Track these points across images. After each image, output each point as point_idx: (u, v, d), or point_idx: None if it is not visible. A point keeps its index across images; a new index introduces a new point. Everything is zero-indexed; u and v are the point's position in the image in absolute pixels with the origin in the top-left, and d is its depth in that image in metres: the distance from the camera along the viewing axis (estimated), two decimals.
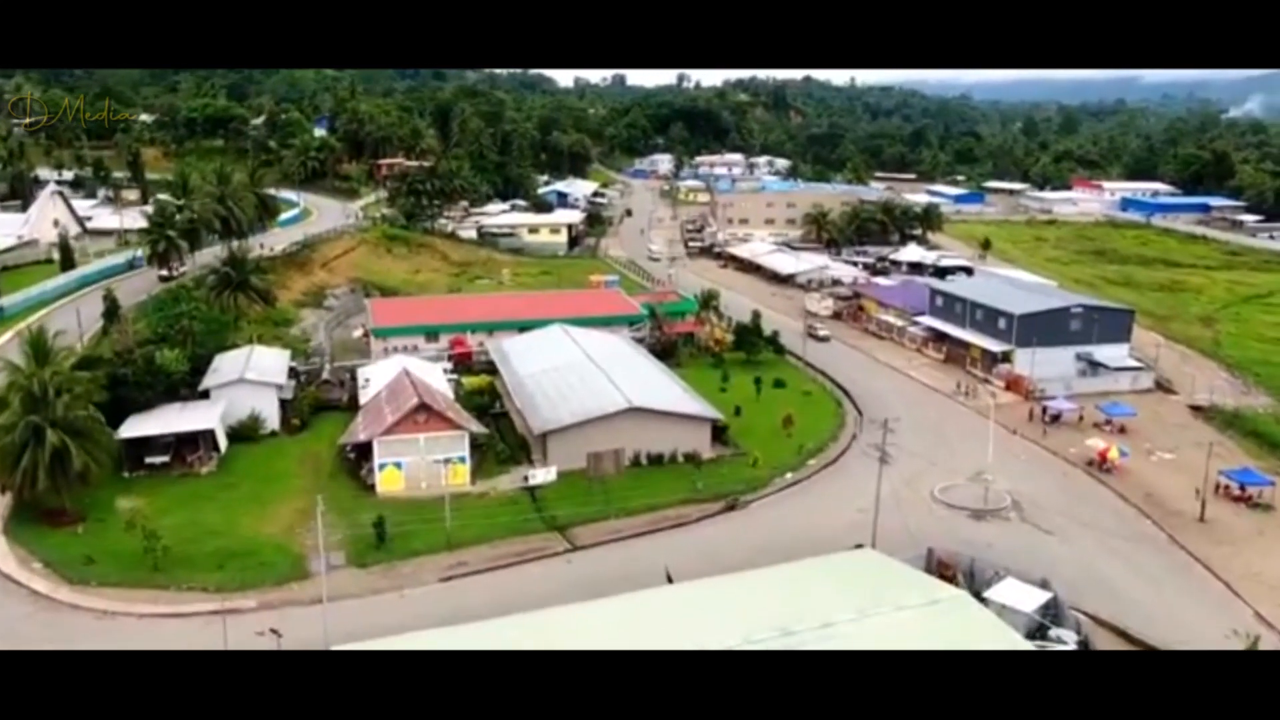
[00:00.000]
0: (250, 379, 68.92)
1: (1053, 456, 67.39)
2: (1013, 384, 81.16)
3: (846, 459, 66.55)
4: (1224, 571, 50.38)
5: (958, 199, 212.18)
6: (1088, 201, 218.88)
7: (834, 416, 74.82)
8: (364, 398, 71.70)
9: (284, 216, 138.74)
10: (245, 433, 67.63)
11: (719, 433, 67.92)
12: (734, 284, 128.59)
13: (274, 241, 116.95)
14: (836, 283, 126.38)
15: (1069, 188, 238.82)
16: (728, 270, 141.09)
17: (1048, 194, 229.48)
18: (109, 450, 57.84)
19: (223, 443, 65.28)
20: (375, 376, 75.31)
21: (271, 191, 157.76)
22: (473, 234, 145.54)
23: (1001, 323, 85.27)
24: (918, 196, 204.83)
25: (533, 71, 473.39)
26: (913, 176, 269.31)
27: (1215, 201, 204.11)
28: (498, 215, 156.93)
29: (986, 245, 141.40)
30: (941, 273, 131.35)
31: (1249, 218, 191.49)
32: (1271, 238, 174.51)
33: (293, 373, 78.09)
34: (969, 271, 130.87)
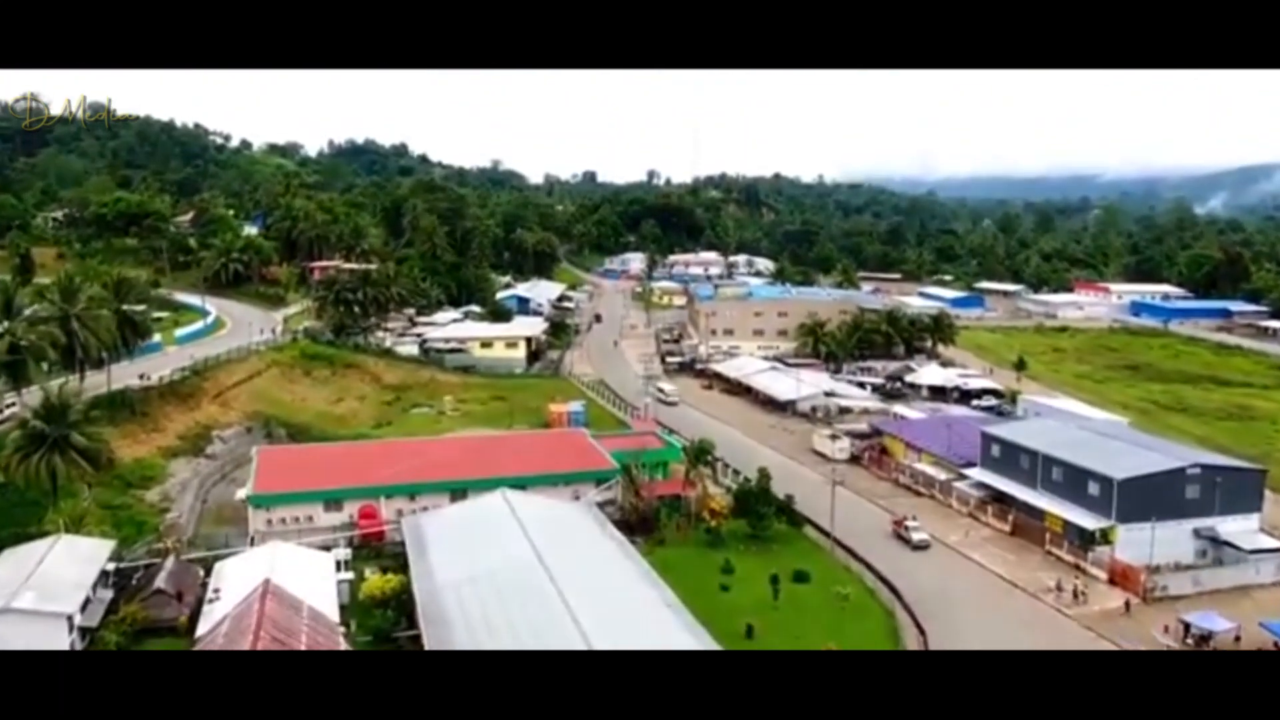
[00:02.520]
0: (20, 608, 45.60)
1: None
2: (1120, 576, 59.57)
3: None
4: None
5: (955, 302, 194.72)
6: (1093, 305, 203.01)
7: (886, 642, 52.44)
8: (205, 623, 48.75)
9: (186, 330, 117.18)
10: None
11: None
12: (722, 411, 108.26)
13: (166, 365, 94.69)
14: (845, 411, 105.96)
15: (1069, 289, 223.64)
16: (713, 391, 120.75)
17: (1048, 296, 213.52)
18: None
19: None
20: (232, 582, 52.56)
21: (183, 298, 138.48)
22: (414, 349, 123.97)
23: (1093, 488, 63.94)
24: (911, 299, 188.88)
25: (502, 168, 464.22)
26: (898, 276, 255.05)
27: (1235, 306, 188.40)
28: (447, 325, 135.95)
29: (1020, 366, 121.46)
30: (967, 396, 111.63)
31: (1277, 324, 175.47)
32: None
33: (113, 576, 54.84)
34: (1000, 396, 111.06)
